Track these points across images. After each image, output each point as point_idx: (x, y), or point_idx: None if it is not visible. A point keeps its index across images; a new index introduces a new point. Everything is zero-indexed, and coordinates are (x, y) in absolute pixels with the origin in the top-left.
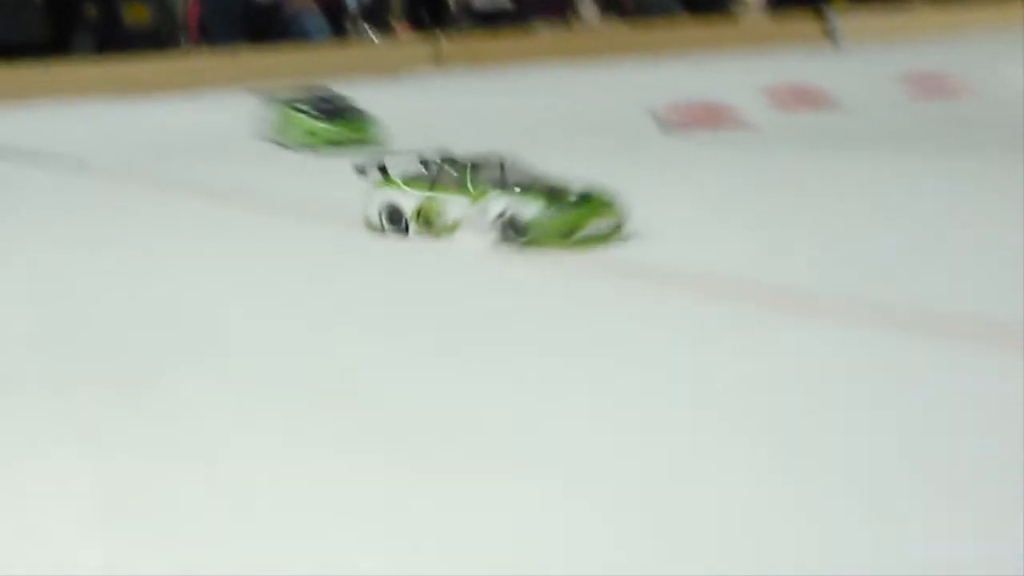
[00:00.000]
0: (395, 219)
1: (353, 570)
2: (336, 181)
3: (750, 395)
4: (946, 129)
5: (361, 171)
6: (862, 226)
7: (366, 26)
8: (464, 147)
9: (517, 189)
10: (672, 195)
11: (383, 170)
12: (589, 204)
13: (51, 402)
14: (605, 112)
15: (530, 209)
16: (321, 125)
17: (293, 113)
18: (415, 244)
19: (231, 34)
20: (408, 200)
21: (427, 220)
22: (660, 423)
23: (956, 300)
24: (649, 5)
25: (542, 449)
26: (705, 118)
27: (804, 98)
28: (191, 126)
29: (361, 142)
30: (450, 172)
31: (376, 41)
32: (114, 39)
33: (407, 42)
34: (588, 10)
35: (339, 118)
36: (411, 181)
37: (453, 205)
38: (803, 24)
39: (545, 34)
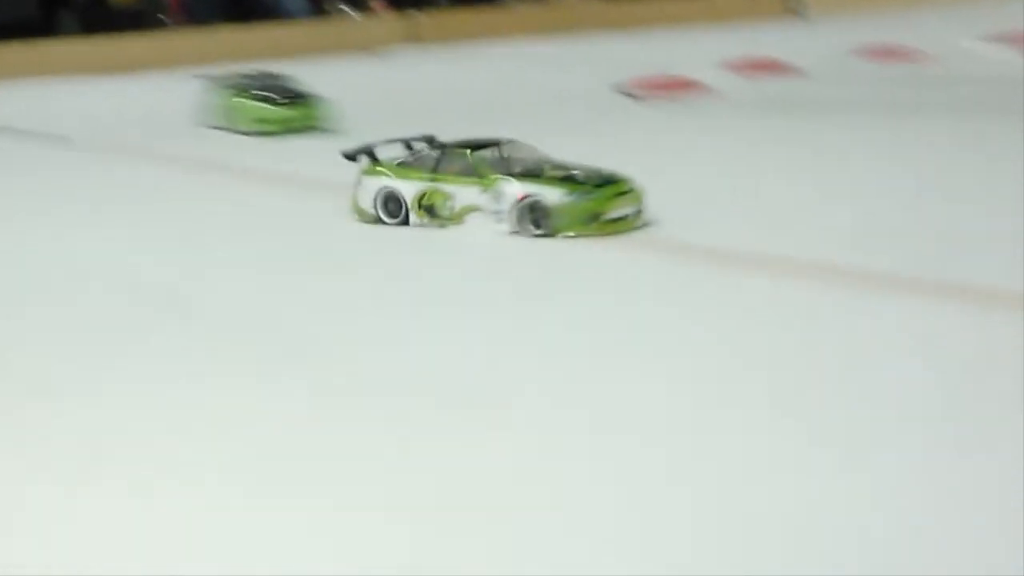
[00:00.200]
0: (393, 207)
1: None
2: (318, 164)
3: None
4: (907, 91)
5: (351, 158)
6: (842, 188)
7: (344, 5)
8: (437, 122)
9: (535, 175)
10: (651, 162)
11: (374, 156)
12: (610, 188)
13: (29, 359)
14: (576, 85)
15: (552, 195)
16: (272, 109)
17: (242, 99)
18: (428, 232)
19: (213, 13)
20: (408, 188)
21: (431, 208)
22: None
23: (930, 261)
24: None
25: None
26: (673, 88)
27: (767, 67)
28: (172, 103)
29: (313, 126)
30: (454, 158)
31: (354, 19)
32: (99, 19)
33: (384, 19)
34: None
35: (290, 102)
36: (410, 168)
37: (462, 193)
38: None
39: (519, 9)
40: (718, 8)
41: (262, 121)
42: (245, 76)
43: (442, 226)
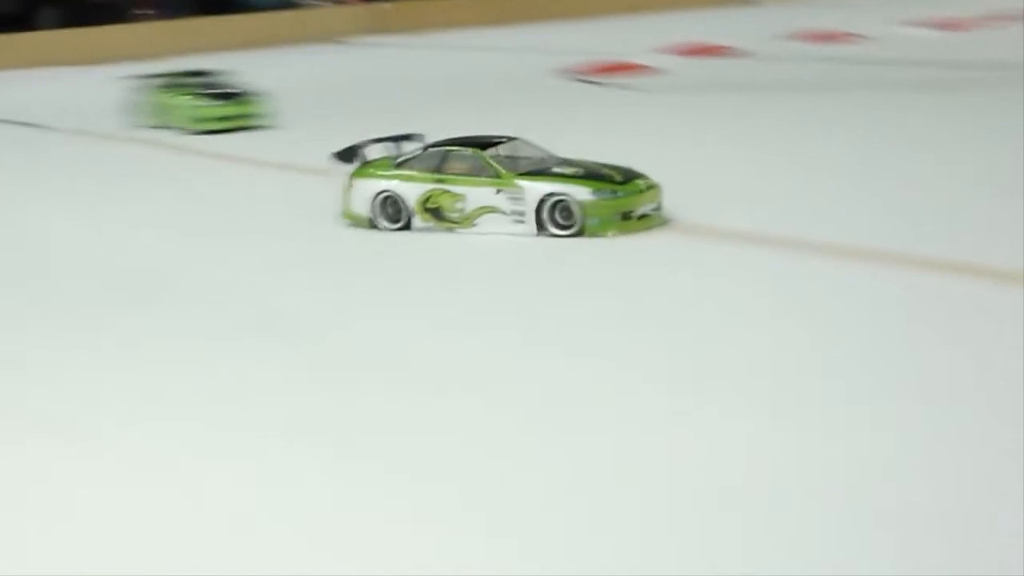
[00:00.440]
0: (392, 211)
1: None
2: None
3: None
4: (843, 70)
5: (344, 159)
6: (788, 161)
7: None
8: (396, 109)
9: (556, 173)
10: (606, 142)
11: (363, 159)
12: (634, 185)
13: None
14: (520, 72)
15: (581, 193)
16: (213, 107)
17: (180, 97)
18: (440, 236)
19: (183, 5)
20: (411, 190)
21: (437, 211)
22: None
23: (880, 229)
24: None
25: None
26: (622, 70)
27: (706, 50)
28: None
29: (252, 123)
30: (461, 157)
31: (321, 9)
32: (77, 12)
33: (350, 10)
34: None
35: (229, 99)
36: (411, 169)
37: (474, 193)
38: None
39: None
40: None
41: (202, 120)
42: (178, 74)
43: (449, 229)
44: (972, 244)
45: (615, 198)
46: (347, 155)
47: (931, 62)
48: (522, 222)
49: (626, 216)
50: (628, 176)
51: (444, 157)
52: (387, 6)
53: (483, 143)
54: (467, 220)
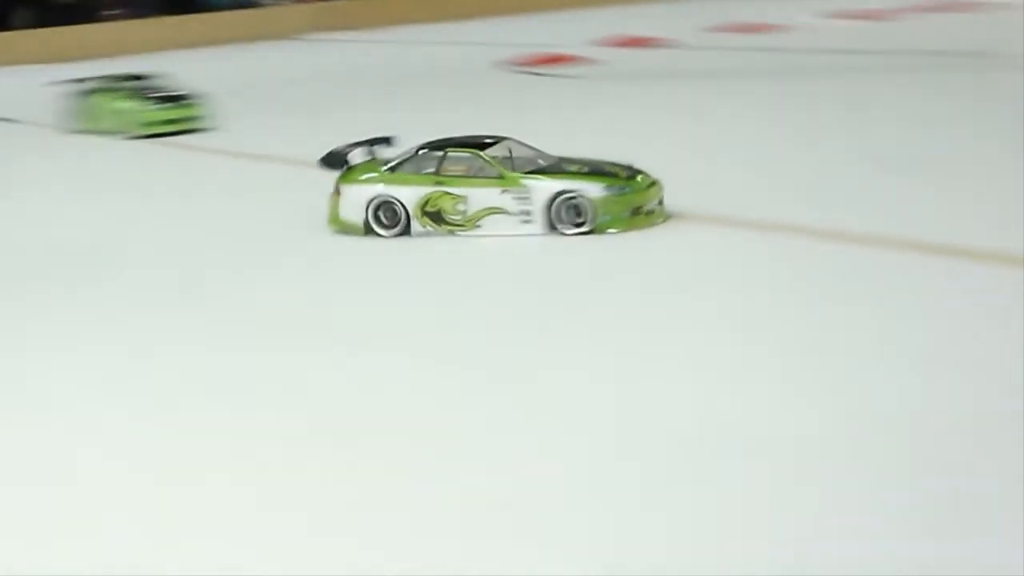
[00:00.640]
0: (388, 217)
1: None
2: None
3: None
4: (765, 60)
5: (332, 164)
6: (714, 142)
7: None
8: (341, 103)
9: (561, 171)
10: (545, 127)
11: (348, 163)
12: (640, 181)
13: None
14: (463, 64)
15: (593, 190)
16: (157, 109)
17: (122, 100)
18: (444, 240)
19: (146, 4)
20: (408, 194)
21: (437, 214)
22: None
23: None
24: None
25: None
26: (551, 61)
27: (636, 41)
28: None
29: (196, 125)
30: (459, 159)
31: (277, 7)
32: (48, 12)
33: (298, 9)
34: None
35: (174, 102)
36: (406, 173)
37: (477, 195)
38: None
39: None
40: None
41: (149, 123)
42: (114, 78)
43: (451, 233)
44: (872, 215)
45: (625, 194)
46: (333, 160)
47: (849, 50)
48: (530, 222)
49: (635, 212)
50: (632, 172)
51: (442, 159)
52: (340, 4)
53: (476, 143)
54: (470, 222)
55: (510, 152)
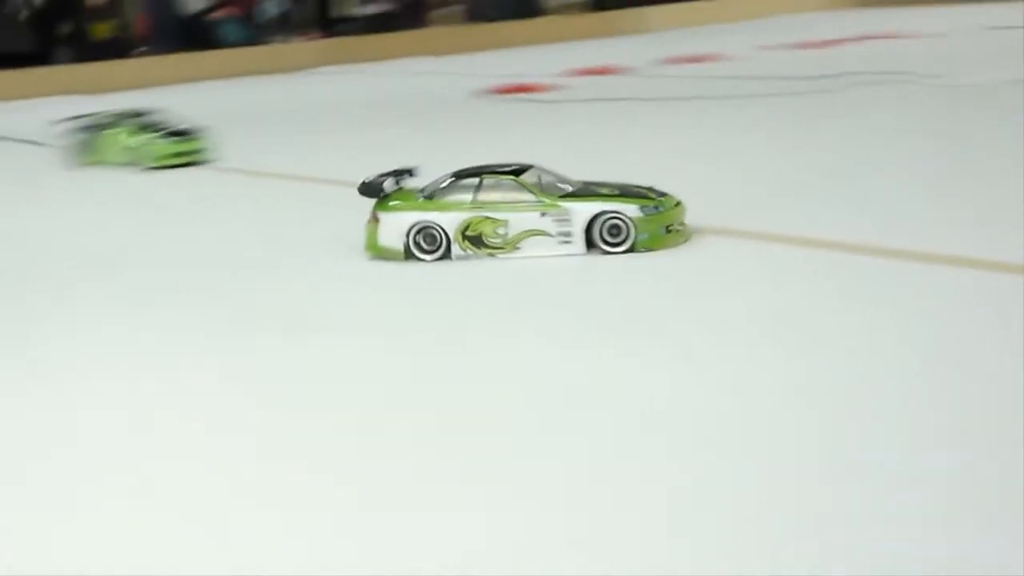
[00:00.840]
0: (428, 242)
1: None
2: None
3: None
4: (709, 85)
5: (368, 194)
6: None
7: (275, 33)
8: (344, 127)
9: (596, 194)
10: (525, 146)
11: (386, 193)
12: (667, 201)
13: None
14: (445, 93)
15: (631, 210)
16: (168, 143)
17: (134, 135)
18: (487, 262)
19: (171, 42)
20: (448, 219)
21: (477, 238)
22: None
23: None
24: (488, 10)
25: None
26: (521, 90)
27: (597, 71)
28: None
29: (200, 158)
30: (496, 185)
31: (280, 44)
32: (85, 50)
33: (310, 44)
34: (441, 15)
35: (181, 136)
36: (444, 200)
37: (517, 218)
38: (611, 20)
39: (410, 35)
40: (560, 28)
41: (160, 156)
42: (118, 115)
43: (491, 255)
44: (831, 218)
45: (659, 213)
46: (370, 190)
47: (782, 76)
48: (569, 242)
49: (668, 230)
50: (658, 193)
51: (478, 186)
52: (336, 42)
53: (510, 170)
54: (510, 244)
55: (539, 178)
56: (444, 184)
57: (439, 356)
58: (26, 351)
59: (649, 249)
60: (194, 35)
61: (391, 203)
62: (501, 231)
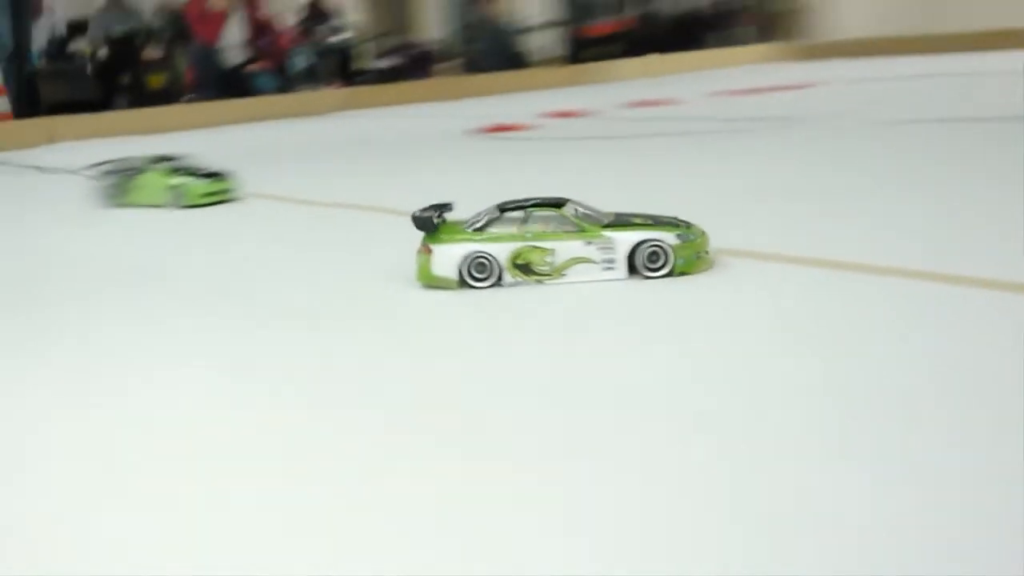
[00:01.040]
0: (481, 270)
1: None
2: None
3: None
4: (664, 126)
5: (422, 228)
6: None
7: (303, 83)
8: (357, 162)
9: (632, 223)
10: (513, 177)
11: (436, 225)
12: (695, 230)
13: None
14: (441, 132)
15: (669, 238)
16: (203, 184)
17: (172, 176)
18: (535, 288)
19: (213, 90)
20: (500, 250)
21: (527, 266)
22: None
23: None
24: (482, 64)
25: None
26: (504, 129)
27: (567, 114)
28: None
29: (230, 197)
30: (540, 217)
31: (308, 92)
32: (141, 97)
33: (327, 92)
34: (443, 68)
35: (213, 178)
36: (493, 232)
37: (563, 247)
38: (583, 71)
39: (418, 84)
40: (540, 78)
41: (197, 195)
42: (147, 159)
43: (539, 282)
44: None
45: (693, 240)
46: (423, 224)
47: (727, 117)
48: (612, 268)
49: (700, 255)
50: (686, 223)
51: (525, 218)
52: (356, 90)
53: (552, 203)
54: (557, 271)
55: (576, 210)
56: (492, 217)
57: (535, 364)
58: (89, 344)
59: (684, 273)
60: (233, 85)
61: (443, 236)
62: (548, 259)
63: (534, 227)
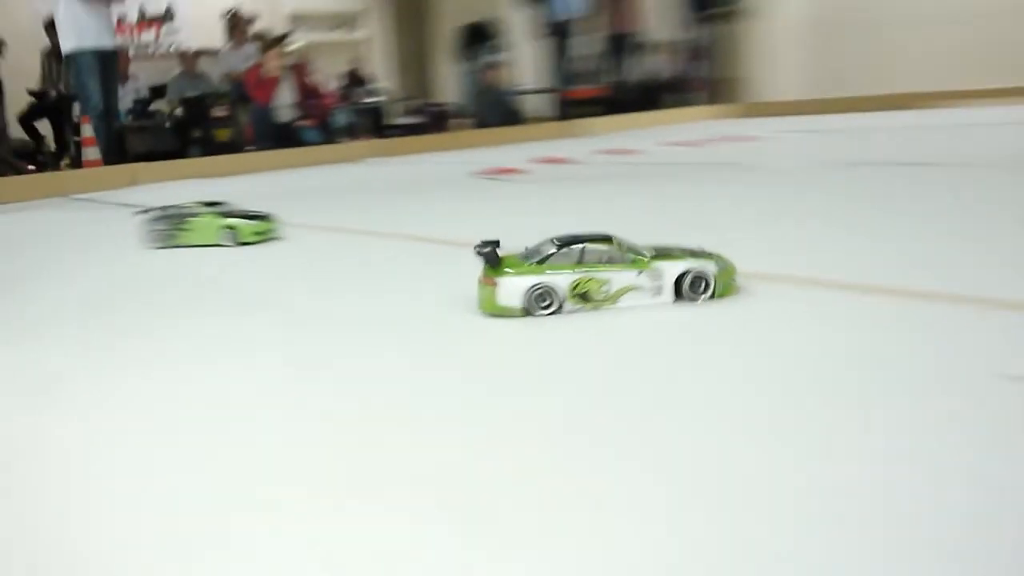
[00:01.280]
0: (542, 299)
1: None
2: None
3: None
4: (628, 169)
5: (491, 262)
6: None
7: (343, 136)
8: (378, 198)
9: (674, 254)
10: (505, 214)
11: (498, 259)
12: (724, 258)
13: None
14: (453, 174)
15: (710, 267)
16: (251, 225)
17: (226, 219)
18: (591, 314)
19: (269, 143)
20: (561, 281)
21: (585, 295)
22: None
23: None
24: (487, 120)
25: None
26: (503, 172)
27: (554, 160)
28: (247, 190)
29: (274, 236)
30: (594, 250)
31: (346, 143)
32: (210, 148)
33: (362, 143)
34: (456, 124)
35: (259, 219)
36: (554, 264)
37: (618, 276)
38: (568, 126)
39: (435, 136)
40: (533, 132)
41: (248, 235)
42: (196, 204)
43: (595, 308)
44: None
45: (727, 268)
46: (490, 259)
47: (674, 162)
48: (660, 295)
49: (733, 282)
50: (718, 254)
51: (582, 252)
52: (386, 140)
53: (602, 238)
54: (611, 299)
55: (620, 244)
56: (550, 252)
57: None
58: (166, 343)
59: (721, 297)
60: (285, 138)
61: (507, 269)
62: (604, 288)
63: (590, 259)
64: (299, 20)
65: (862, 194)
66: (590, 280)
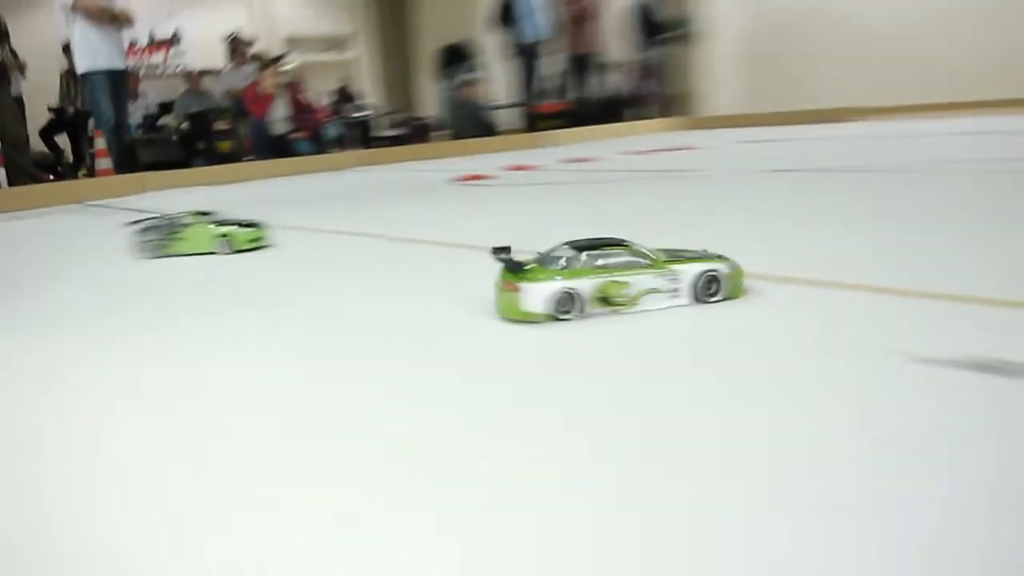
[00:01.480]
0: (566, 304)
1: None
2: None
3: None
4: (589, 175)
5: (514, 270)
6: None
7: (333, 147)
8: (360, 201)
9: (687, 257)
10: (477, 216)
11: (520, 265)
12: (731, 261)
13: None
14: (428, 180)
15: (723, 268)
16: (245, 232)
17: (219, 227)
18: (614, 317)
19: (265, 153)
20: (584, 285)
21: (606, 298)
22: None
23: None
24: (464, 132)
25: None
26: (476, 178)
27: (523, 167)
28: (248, 195)
29: (266, 243)
30: (612, 255)
31: (335, 154)
32: (213, 158)
33: (350, 153)
34: (436, 135)
35: (251, 227)
36: (577, 270)
37: (637, 280)
38: (536, 137)
39: (415, 147)
40: (505, 142)
41: (242, 241)
42: (188, 214)
43: (615, 311)
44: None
45: (736, 270)
46: (513, 267)
47: (628, 169)
48: (677, 296)
49: (742, 284)
50: (717, 255)
51: (602, 256)
52: (373, 150)
53: (619, 243)
54: (632, 302)
55: (639, 248)
56: (569, 257)
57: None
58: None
59: (732, 298)
60: (280, 149)
61: (527, 275)
62: (625, 291)
63: (610, 264)
64: (294, 42)
65: (802, 195)
66: (611, 284)
